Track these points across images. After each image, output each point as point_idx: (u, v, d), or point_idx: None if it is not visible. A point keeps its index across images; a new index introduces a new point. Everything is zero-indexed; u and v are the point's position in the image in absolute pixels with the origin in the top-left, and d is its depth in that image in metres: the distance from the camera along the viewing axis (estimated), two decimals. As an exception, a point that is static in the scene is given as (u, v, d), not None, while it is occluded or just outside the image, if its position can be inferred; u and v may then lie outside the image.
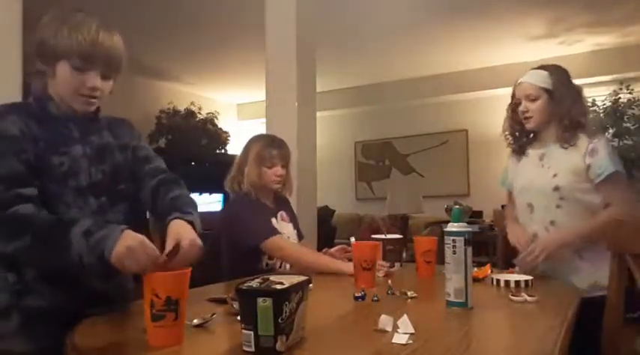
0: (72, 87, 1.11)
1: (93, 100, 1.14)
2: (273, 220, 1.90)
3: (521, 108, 1.70)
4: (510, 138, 1.81)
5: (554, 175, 1.63)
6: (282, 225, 1.96)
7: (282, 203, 2.05)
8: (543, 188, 1.64)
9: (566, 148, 1.63)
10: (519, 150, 1.79)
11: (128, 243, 0.92)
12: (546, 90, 1.64)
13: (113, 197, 1.19)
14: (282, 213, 2.00)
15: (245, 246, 1.78)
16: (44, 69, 1.10)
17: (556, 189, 1.61)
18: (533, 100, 1.66)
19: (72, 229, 0.96)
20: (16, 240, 0.97)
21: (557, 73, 1.67)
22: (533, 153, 1.75)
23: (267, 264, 1.84)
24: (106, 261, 0.92)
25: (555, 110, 1.63)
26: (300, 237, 2.05)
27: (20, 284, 1.07)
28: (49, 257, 0.99)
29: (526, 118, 1.69)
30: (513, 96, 1.76)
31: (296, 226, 2.06)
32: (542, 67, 1.70)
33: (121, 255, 0.91)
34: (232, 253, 1.86)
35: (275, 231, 1.79)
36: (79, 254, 0.94)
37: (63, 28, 1.08)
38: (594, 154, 1.57)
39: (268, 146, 1.94)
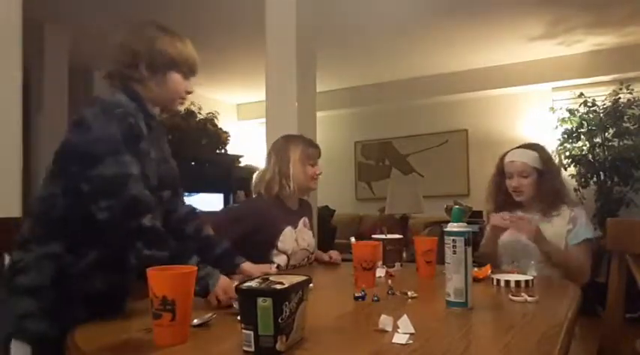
0: (179, 92, 1.30)
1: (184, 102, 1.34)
2: (288, 228, 1.87)
3: (513, 183, 1.90)
4: (494, 205, 1.99)
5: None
6: (304, 231, 1.96)
7: (306, 208, 2.06)
8: (534, 252, 1.78)
9: (550, 218, 1.86)
10: (510, 211, 1.91)
11: (224, 285, 1.14)
12: (536, 170, 1.88)
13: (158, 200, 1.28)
14: (305, 219, 2.00)
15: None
16: (147, 75, 1.24)
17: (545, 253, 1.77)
18: (525, 177, 1.88)
19: (189, 261, 1.11)
20: (156, 250, 1.08)
21: (544, 153, 1.93)
22: (519, 214, 1.89)
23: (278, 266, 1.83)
24: (205, 293, 1.12)
25: (542, 187, 1.87)
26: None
27: (74, 267, 1.11)
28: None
29: (517, 192, 1.90)
30: (502, 170, 1.95)
31: (312, 231, 2.07)
32: (529, 147, 1.94)
33: (217, 292, 1.13)
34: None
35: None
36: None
37: (175, 40, 1.26)
38: (575, 222, 1.83)
39: (309, 145, 1.99)
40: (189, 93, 1.34)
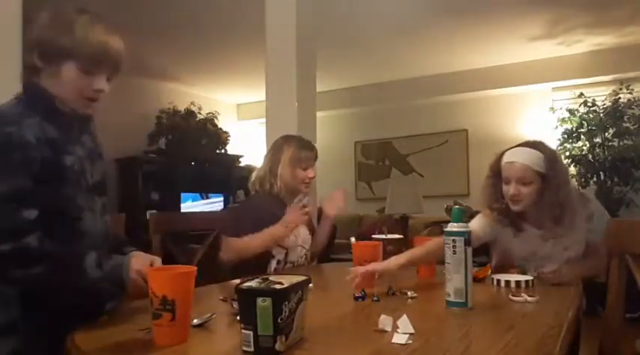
0: (76, 88, 1.08)
1: (95, 103, 1.12)
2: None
3: (511, 190, 1.55)
4: (493, 212, 1.65)
5: (565, 248, 1.61)
6: (300, 228, 1.96)
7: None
8: (554, 260, 1.58)
9: (559, 236, 1.60)
10: (515, 226, 1.65)
11: (137, 268, 1.04)
12: (540, 174, 1.53)
13: (107, 197, 1.21)
14: None
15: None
16: (42, 66, 1.06)
17: (568, 260, 1.60)
18: (526, 184, 1.54)
19: (84, 260, 1.01)
20: (26, 269, 0.97)
21: (549, 153, 1.57)
22: (530, 230, 1.64)
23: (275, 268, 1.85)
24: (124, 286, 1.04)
25: (547, 197, 1.53)
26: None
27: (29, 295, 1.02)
28: (63, 285, 1.03)
29: (514, 201, 1.57)
30: (498, 171, 1.62)
31: (311, 230, 2.07)
32: (533, 146, 1.58)
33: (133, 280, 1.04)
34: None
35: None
36: (96, 281, 1.02)
37: (73, 27, 1.04)
38: (591, 219, 1.60)
39: (302, 148, 1.97)
40: (99, 91, 1.09)
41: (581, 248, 1.62)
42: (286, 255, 1.88)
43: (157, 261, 1.10)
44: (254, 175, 2.01)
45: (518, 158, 1.56)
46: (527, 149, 1.57)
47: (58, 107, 1.08)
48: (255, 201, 2.00)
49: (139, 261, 1.06)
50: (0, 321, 1.01)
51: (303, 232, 1.99)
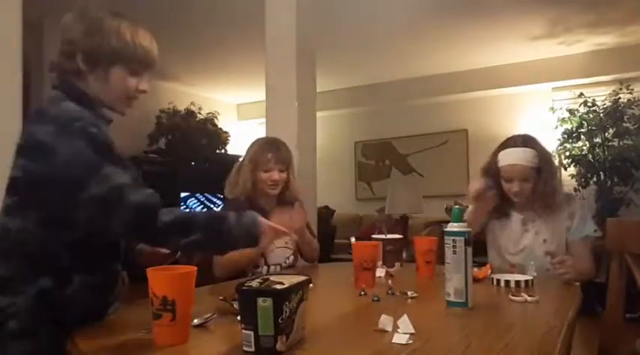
0: (124, 90, 1.13)
1: (134, 102, 1.18)
2: None
3: (514, 188, 1.74)
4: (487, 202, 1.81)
5: (544, 241, 1.77)
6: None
7: (285, 207, 1.94)
8: (534, 253, 1.76)
9: (547, 217, 1.77)
10: (502, 213, 1.84)
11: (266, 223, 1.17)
12: (535, 169, 1.74)
13: None
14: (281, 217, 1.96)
15: None
16: (86, 70, 1.09)
17: (547, 254, 1.72)
18: (527, 180, 1.74)
19: (227, 220, 1.10)
20: (186, 238, 1.05)
21: (540, 148, 1.77)
22: (514, 216, 1.83)
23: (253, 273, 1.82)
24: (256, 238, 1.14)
25: (539, 186, 1.73)
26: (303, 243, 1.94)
27: (64, 298, 1.03)
28: (218, 245, 1.16)
29: (518, 195, 1.76)
30: (495, 171, 1.79)
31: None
32: (525, 143, 1.77)
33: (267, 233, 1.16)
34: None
35: None
36: (237, 236, 1.11)
37: (124, 32, 1.09)
38: (573, 218, 1.75)
39: (265, 150, 1.87)
40: (142, 91, 1.16)
41: (561, 243, 1.75)
42: (264, 258, 1.82)
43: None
44: (227, 180, 1.95)
45: (519, 160, 1.73)
46: (523, 149, 1.75)
47: (101, 112, 1.13)
48: (226, 206, 1.95)
49: (264, 221, 1.18)
50: (28, 325, 1.00)
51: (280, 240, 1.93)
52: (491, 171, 1.82)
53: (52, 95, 1.10)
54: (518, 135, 1.84)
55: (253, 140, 1.99)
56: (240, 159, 1.96)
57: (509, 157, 1.76)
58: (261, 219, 1.17)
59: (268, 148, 1.89)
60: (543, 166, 1.74)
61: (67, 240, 1.02)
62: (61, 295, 1.02)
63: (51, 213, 1.01)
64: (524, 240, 1.80)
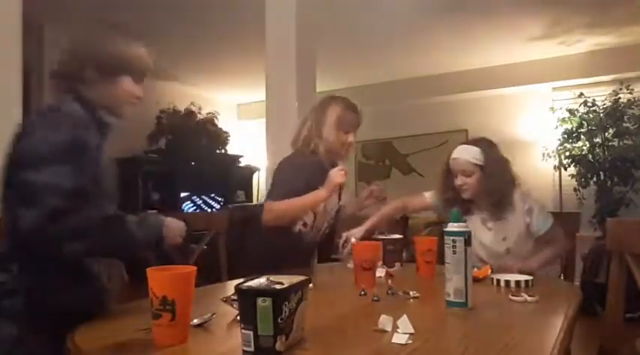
0: (130, 96, 1.23)
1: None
2: (321, 188, 1.84)
3: (458, 181, 1.87)
4: (443, 202, 1.97)
5: (504, 239, 1.85)
6: (332, 196, 1.92)
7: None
8: (495, 250, 1.85)
9: (502, 217, 1.84)
10: (464, 211, 1.87)
11: (172, 225, 1.19)
12: (479, 166, 1.82)
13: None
14: None
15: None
16: (96, 78, 1.17)
17: (507, 251, 1.83)
18: (469, 175, 1.84)
19: (125, 223, 1.11)
20: (76, 242, 1.04)
21: (488, 149, 1.86)
22: (475, 214, 1.91)
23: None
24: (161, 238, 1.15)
25: (485, 184, 1.82)
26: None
27: (53, 283, 1.08)
28: (115, 249, 1.14)
29: (462, 190, 1.87)
30: (449, 167, 1.92)
31: (339, 197, 2.03)
32: (474, 143, 1.88)
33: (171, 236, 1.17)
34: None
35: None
36: (140, 240, 1.12)
37: (128, 42, 1.20)
38: (531, 213, 1.82)
39: (347, 109, 1.88)
40: (138, 98, 1.27)
41: (520, 240, 1.83)
42: (314, 218, 1.86)
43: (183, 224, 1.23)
44: (294, 136, 1.94)
45: (460, 155, 1.87)
46: (468, 146, 1.88)
47: (103, 118, 1.21)
48: (298, 159, 1.90)
49: (171, 220, 1.20)
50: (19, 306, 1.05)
51: (333, 200, 1.95)
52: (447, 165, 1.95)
53: (63, 97, 1.18)
54: (477, 138, 1.96)
55: (324, 98, 1.96)
56: (312, 116, 1.92)
57: (455, 152, 1.90)
58: (167, 220, 1.18)
59: (349, 107, 1.90)
60: (488, 165, 1.81)
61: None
62: (51, 281, 1.08)
63: (14, 190, 1.07)
64: (486, 238, 1.87)
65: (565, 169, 4.71)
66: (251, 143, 6.73)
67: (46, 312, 1.07)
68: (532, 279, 1.42)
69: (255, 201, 6.25)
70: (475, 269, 1.47)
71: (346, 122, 1.86)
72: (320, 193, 1.75)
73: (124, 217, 1.12)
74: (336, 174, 1.76)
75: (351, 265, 1.55)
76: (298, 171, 1.83)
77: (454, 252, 1.14)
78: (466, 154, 1.85)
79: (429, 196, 2.10)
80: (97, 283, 1.19)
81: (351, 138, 1.89)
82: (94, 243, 1.06)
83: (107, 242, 1.09)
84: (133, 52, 1.21)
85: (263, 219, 1.77)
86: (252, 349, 0.78)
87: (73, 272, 1.13)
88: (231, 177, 6.12)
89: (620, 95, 4.51)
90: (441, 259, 1.28)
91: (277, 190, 1.80)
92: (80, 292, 1.13)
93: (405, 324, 0.91)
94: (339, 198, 2.04)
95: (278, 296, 0.77)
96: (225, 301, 1.14)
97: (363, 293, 1.27)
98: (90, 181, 1.10)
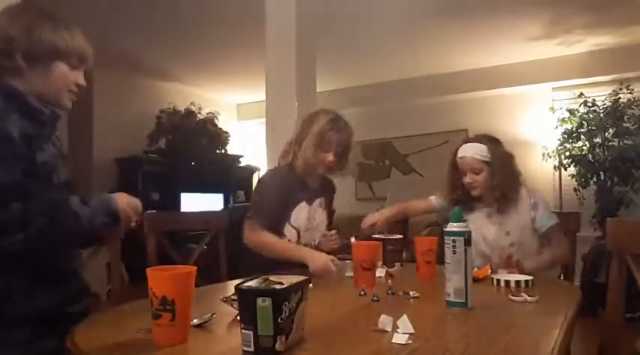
0: (66, 84, 1.18)
1: (76, 97, 1.22)
2: (303, 204, 1.86)
3: (467, 179, 1.89)
4: (452, 202, 1.96)
5: (507, 233, 1.86)
6: (318, 211, 1.94)
7: (326, 188, 2.02)
8: (499, 244, 1.85)
9: (509, 211, 1.86)
10: (469, 208, 1.93)
11: (125, 201, 1.16)
12: (486, 163, 1.85)
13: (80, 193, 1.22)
14: (321, 199, 1.97)
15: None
16: (25, 66, 1.11)
17: (511, 245, 1.82)
18: (477, 173, 1.86)
19: (70, 203, 1.07)
20: (14, 235, 0.98)
21: (493, 145, 1.89)
22: (479, 210, 1.93)
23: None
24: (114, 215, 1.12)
25: (493, 180, 1.85)
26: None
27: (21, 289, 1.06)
28: (60, 233, 1.07)
29: (472, 187, 1.89)
30: (456, 165, 1.94)
31: (329, 217, 2.03)
32: (478, 140, 1.91)
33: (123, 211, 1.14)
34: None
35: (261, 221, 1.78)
36: (85, 218, 1.07)
37: (61, 29, 1.15)
38: (536, 208, 1.85)
39: (330, 130, 1.82)
40: (80, 86, 1.21)
41: (525, 235, 1.85)
42: (298, 236, 1.85)
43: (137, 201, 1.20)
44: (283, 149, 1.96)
45: (467, 153, 1.88)
46: (473, 143, 1.90)
47: (33, 104, 1.13)
48: (277, 173, 1.91)
49: (123, 195, 1.17)
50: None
51: (320, 215, 1.95)
52: (454, 164, 1.97)
53: None
54: (480, 134, 1.97)
55: (314, 111, 1.95)
56: (299, 130, 1.91)
57: (461, 150, 1.91)
58: (119, 195, 1.16)
59: (333, 127, 1.83)
60: (494, 161, 1.84)
61: None
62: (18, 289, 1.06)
63: None
64: (490, 233, 1.88)
65: (565, 169, 4.71)
66: (251, 143, 6.73)
67: (22, 315, 1.05)
68: (532, 279, 1.42)
69: (255, 201, 6.24)
70: (475, 269, 1.47)
71: (326, 141, 1.80)
72: (306, 255, 1.68)
73: (67, 199, 1.08)
74: (327, 265, 1.64)
75: (350, 273, 1.54)
76: (271, 189, 1.84)
77: (454, 252, 1.14)
78: (473, 152, 1.87)
79: (434, 199, 2.14)
80: (74, 282, 1.18)
81: (330, 157, 1.83)
82: (36, 230, 1.00)
83: (50, 226, 1.03)
84: (64, 37, 1.14)
85: (244, 237, 1.78)
86: (252, 349, 0.78)
87: (47, 273, 1.10)
88: (232, 177, 6.12)
89: (620, 95, 4.50)
90: (441, 259, 1.28)
91: (252, 211, 1.82)
92: (57, 293, 1.11)
93: (405, 324, 0.91)
94: (330, 222, 2.06)
95: (278, 296, 0.77)
96: (225, 301, 1.14)
97: (363, 293, 1.27)
98: (20, 172, 1.04)
